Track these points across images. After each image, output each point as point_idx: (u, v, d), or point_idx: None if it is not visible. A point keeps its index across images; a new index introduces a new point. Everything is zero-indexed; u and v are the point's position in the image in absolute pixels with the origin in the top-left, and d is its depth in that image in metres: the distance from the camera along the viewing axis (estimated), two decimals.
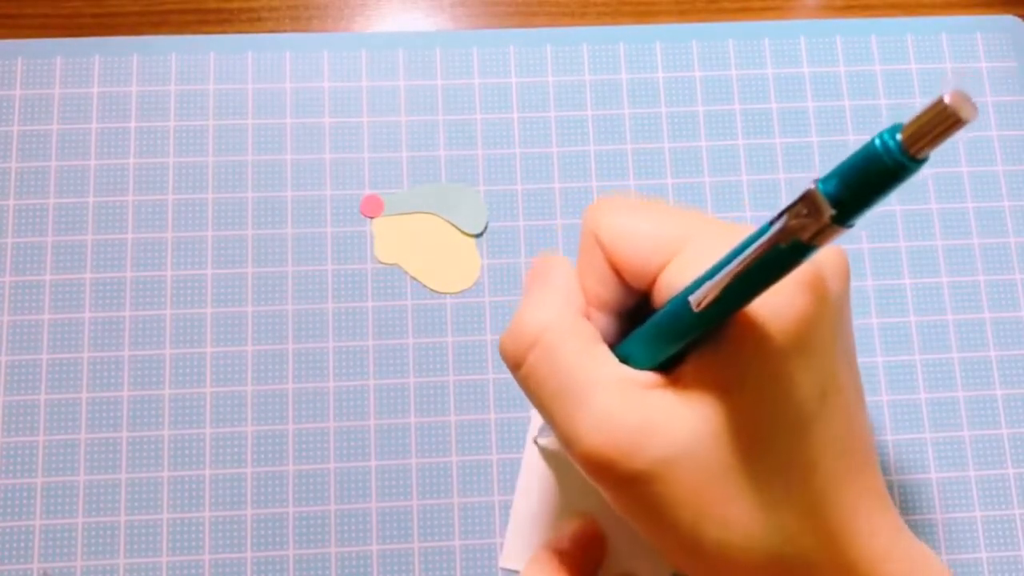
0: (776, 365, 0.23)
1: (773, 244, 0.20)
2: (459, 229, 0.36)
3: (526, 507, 0.33)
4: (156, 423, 0.34)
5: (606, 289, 0.26)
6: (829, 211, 0.19)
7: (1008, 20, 0.39)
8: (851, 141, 0.37)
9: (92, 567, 0.33)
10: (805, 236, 0.20)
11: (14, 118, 0.36)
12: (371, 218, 0.36)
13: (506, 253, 0.36)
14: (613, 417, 0.23)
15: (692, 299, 0.22)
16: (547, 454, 0.34)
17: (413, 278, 0.35)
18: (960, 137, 0.37)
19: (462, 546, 0.33)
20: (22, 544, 0.33)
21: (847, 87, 0.38)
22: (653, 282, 0.25)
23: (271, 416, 0.34)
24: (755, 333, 0.22)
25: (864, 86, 0.38)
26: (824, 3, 0.40)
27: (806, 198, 0.19)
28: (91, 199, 0.36)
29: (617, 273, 0.26)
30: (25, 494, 0.33)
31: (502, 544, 0.33)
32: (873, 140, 0.18)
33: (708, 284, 0.22)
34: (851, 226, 0.19)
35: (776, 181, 0.37)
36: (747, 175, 0.37)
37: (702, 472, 0.23)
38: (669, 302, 0.24)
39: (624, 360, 0.25)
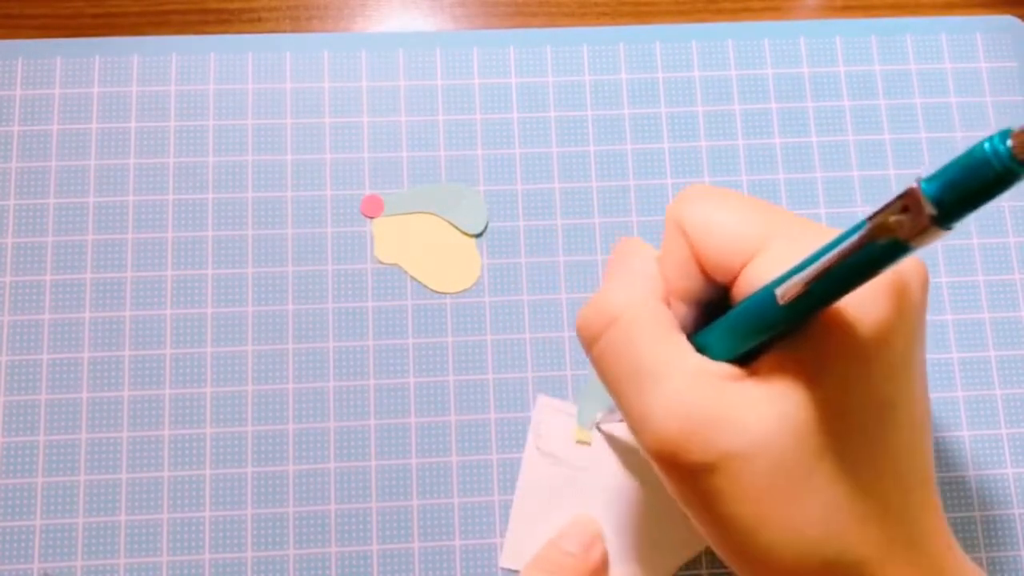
0: (857, 366, 0.22)
1: (869, 240, 0.20)
2: (459, 229, 0.36)
3: (526, 507, 0.33)
4: (156, 423, 0.34)
5: (687, 280, 0.25)
6: (931, 211, 0.18)
7: (1008, 20, 0.39)
8: (851, 141, 0.37)
9: (92, 567, 0.33)
10: (902, 234, 0.19)
11: (14, 118, 0.36)
12: (371, 218, 0.36)
13: (506, 253, 0.36)
14: (687, 404, 0.23)
15: (778, 292, 0.22)
16: (546, 457, 0.34)
17: (413, 278, 0.35)
18: (960, 137, 0.37)
19: (462, 546, 0.33)
20: (22, 544, 0.33)
21: (847, 87, 0.38)
22: (735, 277, 0.24)
23: (271, 416, 0.34)
24: (839, 331, 0.22)
25: (864, 86, 0.38)
26: (824, 3, 0.40)
27: (908, 195, 0.19)
28: (91, 199, 0.36)
29: (699, 265, 0.25)
30: (25, 494, 0.33)
31: (502, 544, 0.33)
32: (982, 143, 0.18)
33: (796, 277, 0.21)
34: (950, 229, 0.19)
35: (776, 181, 0.37)
36: (747, 175, 0.37)
37: (768, 470, 0.22)
38: (754, 294, 0.23)
39: (701, 350, 0.24)
